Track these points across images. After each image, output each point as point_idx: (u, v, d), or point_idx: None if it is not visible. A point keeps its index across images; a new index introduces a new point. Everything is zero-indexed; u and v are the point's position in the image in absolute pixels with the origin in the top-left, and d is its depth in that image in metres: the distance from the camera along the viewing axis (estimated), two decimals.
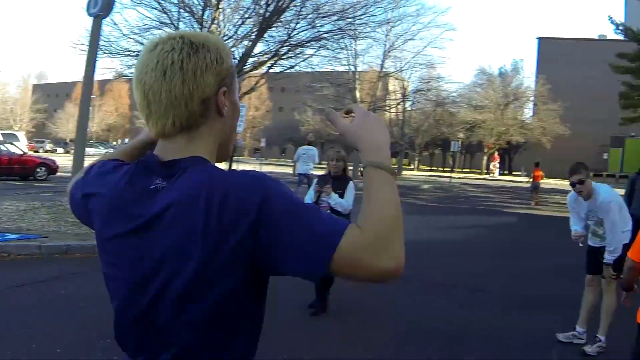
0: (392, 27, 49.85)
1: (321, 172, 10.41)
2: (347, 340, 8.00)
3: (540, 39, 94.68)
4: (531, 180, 36.49)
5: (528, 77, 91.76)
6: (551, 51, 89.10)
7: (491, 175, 77.05)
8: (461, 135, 71.09)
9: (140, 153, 2.28)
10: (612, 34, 76.57)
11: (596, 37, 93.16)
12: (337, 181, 9.10)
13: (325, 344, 7.86)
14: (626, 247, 7.92)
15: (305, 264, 1.68)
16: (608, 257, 7.87)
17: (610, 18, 47.58)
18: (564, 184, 55.26)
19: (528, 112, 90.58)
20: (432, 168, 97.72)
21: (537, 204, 34.26)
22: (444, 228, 20.62)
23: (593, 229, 8.36)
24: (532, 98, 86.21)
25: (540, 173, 35.39)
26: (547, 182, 54.31)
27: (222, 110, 1.92)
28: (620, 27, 45.77)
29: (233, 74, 1.99)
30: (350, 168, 33.23)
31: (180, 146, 1.89)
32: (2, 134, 43.36)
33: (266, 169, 47.47)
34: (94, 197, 1.99)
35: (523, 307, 10.31)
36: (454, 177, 60.23)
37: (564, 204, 34.88)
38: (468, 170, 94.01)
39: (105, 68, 75.09)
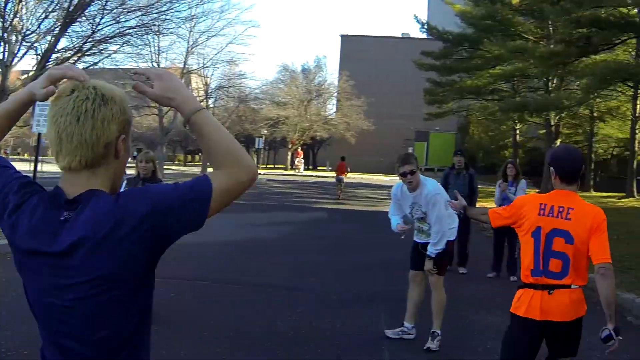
0: (196, 23, 49.29)
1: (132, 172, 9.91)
2: (175, 346, 7.59)
3: (343, 36, 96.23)
4: (336, 173, 36.88)
5: (331, 73, 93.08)
6: (354, 48, 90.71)
7: (296, 170, 77.53)
8: (265, 131, 71.29)
9: (20, 114, 2.56)
10: (415, 33, 78.75)
11: (399, 35, 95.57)
12: (147, 183, 8.60)
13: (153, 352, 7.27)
14: (451, 243, 7.93)
15: (195, 220, 2.20)
16: (431, 250, 7.96)
17: (415, 17, 48.86)
18: (370, 178, 56.51)
19: (332, 107, 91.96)
20: None
21: (339, 197, 34.63)
22: (255, 226, 20.16)
23: (418, 225, 8.32)
24: (335, 94, 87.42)
25: (345, 167, 35.96)
26: (352, 177, 55.17)
27: (119, 154, 2.31)
28: (425, 26, 46.91)
29: (130, 123, 2.36)
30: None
31: (83, 181, 2.24)
32: None
33: None
34: (15, 227, 2.26)
35: (347, 304, 10.22)
36: (260, 174, 60.25)
37: (371, 198, 35.79)
38: (272, 166, 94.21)
39: None
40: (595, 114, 43.93)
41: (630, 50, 35.60)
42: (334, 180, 38.23)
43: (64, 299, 2.16)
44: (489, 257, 13.62)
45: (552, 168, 5.16)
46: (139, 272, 2.20)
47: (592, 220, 4.91)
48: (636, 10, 30.31)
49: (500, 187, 13.08)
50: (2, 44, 24.30)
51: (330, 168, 76.13)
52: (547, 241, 4.97)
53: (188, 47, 51.45)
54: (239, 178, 2.24)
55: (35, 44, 24.26)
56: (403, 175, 7.85)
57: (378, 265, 13.66)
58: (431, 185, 8.07)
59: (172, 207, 2.16)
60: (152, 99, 2.38)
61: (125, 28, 27.60)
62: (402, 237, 8.55)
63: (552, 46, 34.41)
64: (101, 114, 2.21)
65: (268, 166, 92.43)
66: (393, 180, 60.70)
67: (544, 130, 45.14)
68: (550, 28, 37.86)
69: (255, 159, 71.27)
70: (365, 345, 8.11)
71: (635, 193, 35.70)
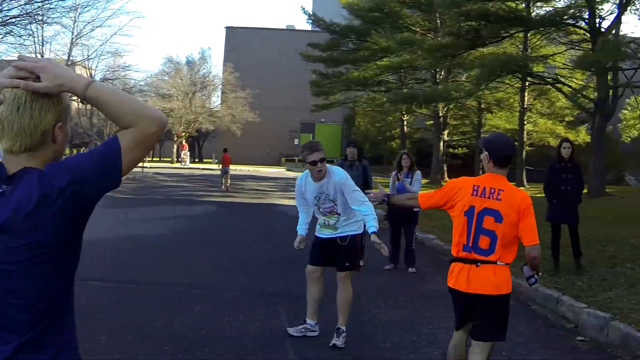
0: (81, 13, 48.17)
1: None
2: None
3: (227, 28, 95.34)
4: (221, 165, 36.95)
5: (216, 65, 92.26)
6: (239, 40, 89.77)
7: (183, 163, 76.58)
8: None
9: None
10: (301, 25, 78.33)
11: (285, 27, 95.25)
12: None
13: None
14: (359, 237, 8.21)
15: (110, 179, 2.44)
16: (374, 225, 7.58)
17: (303, 8, 48.80)
18: (257, 170, 56.18)
19: (217, 100, 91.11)
20: None
21: (227, 189, 34.58)
22: (145, 221, 19.49)
23: (324, 220, 8.01)
24: (220, 86, 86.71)
25: (229, 158, 36.08)
26: (239, 169, 54.82)
27: (56, 139, 2.50)
28: (312, 17, 46.83)
29: (68, 111, 2.56)
30: None
31: (22, 162, 2.44)
32: None
33: None
34: None
35: (246, 301, 9.90)
36: (146, 167, 59.21)
37: (259, 190, 35.53)
38: (158, 159, 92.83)
39: None
40: (483, 106, 44.83)
41: (518, 43, 36.43)
42: (219, 172, 37.89)
43: (1, 262, 2.34)
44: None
45: (486, 153, 5.63)
46: (65, 239, 2.41)
47: (520, 202, 5.44)
48: (524, 5, 30.99)
49: (392, 178, 13.00)
50: None
51: (216, 160, 75.44)
52: (478, 219, 5.47)
53: (72, 38, 50.44)
54: (146, 130, 2.44)
55: None
56: (313, 164, 7.61)
57: (274, 260, 13.35)
58: (339, 171, 7.95)
59: (88, 173, 2.39)
60: (46, 92, 2.44)
61: (8, 17, 26.77)
62: (301, 247, 8.26)
63: (439, 38, 34.81)
64: (39, 105, 2.41)
65: (154, 159, 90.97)
66: (280, 172, 60.92)
67: (432, 122, 45.73)
68: (438, 21, 38.45)
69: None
70: (268, 344, 7.83)
71: (524, 182, 36.64)
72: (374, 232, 7.56)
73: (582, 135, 42.12)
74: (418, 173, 13.07)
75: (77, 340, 2.70)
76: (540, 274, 5.79)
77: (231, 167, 35.67)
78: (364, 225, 8.12)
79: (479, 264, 5.43)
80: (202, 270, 12.19)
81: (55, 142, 2.51)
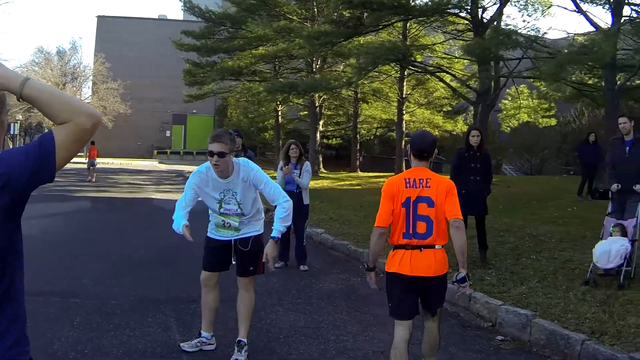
0: None
1: None
2: None
3: (99, 17, 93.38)
4: (87, 158, 36.65)
5: (87, 55, 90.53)
6: (111, 30, 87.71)
7: None
8: (20, 116, 68.20)
9: None
10: (174, 15, 76.70)
11: (157, 17, 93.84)
12: None
13: None
14: (262, 237, 7.33)
15: (44, 173, 2.46)
16: (280, 228, 6.82)
17: None
18: (129, 163, 54.89)
19: (88, 91, 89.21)
20: None
21: (91, 181, 34.47)
22: None
23: (223, 220, 7.20)
24: (91, 77, 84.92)
25: (96, 151, 36.11)
26: (112, 162, 53.70)
27: None
28: (188, 5, 45.87)
29: (3, 101, 2.70)
30: None
31: None
32: None
33: None
34: None
35: (130, 312, 8.90)
36: None
37: (132, 183, 34.49)
38: None
39: None
40: (359, 96, 44.74)
41: (396, 33, 36.50)
42: (86, 165, 36.93)
43: None
44: None
45: (409, 147, 6.34)
46: (2, 227, 2.48)
47: (446, 186, 6.09)
48: None
49: (283, 171, 12.29)
50: None
51: (84, 153, 73.60)
52: (414, 207, 6.02)
53: None
54: (82, 126, 2.45)
55: None
56: (210, 155, 6.70)
57: (158, 262, 12.38)
58: (246, 162, 7.02)
59: (21, 168, 2.42)
60: None
61: None
62: (191, 239, 7.03)
63: (316, 26, 34.44)
64: None
65: None
66: (152, 165, 59.63)
67: (306, 112, 45.51)
68: (315, 9, 38.17)
69: (10, 146, 68.06)
70: None
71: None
72: (274, 237, 6.81)
73: (460, 125, 42.84)
74: (307, 164, 12.48)
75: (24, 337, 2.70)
76: (470, 282, 6.61)
77: (103, 160, 34.84)
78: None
79: (422, 249, 5.96)
80: (79, 276, 11.04)
81: None
